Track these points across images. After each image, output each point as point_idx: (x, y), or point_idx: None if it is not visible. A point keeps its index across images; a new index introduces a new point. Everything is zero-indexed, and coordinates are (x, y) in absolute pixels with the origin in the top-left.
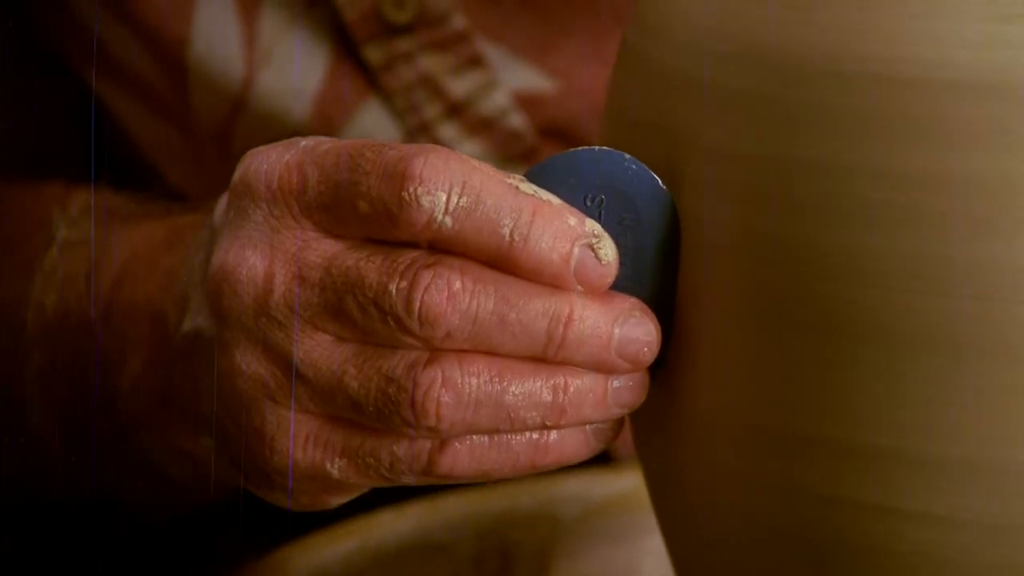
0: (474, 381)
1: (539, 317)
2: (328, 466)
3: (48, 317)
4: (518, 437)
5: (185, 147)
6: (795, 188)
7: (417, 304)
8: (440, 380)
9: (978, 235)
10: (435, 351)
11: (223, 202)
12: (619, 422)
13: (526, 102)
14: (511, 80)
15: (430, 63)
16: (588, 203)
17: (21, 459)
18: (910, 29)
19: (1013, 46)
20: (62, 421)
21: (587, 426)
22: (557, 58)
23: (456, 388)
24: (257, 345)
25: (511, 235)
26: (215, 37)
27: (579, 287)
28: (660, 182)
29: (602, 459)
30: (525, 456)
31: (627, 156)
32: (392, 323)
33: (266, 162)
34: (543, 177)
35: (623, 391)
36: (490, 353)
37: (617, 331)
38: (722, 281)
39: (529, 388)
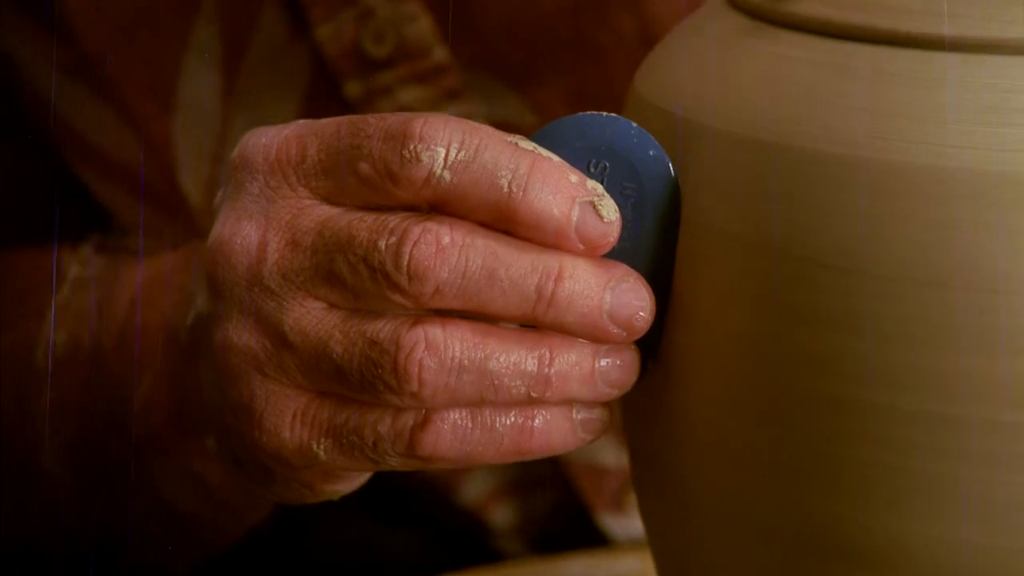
0: (457, 345)
1: (529, 273)
2: (315, 447)
3: (59, 354)
4: (502, 419)
5: (174, 232)
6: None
7: (406, 259)
8: (423, 343)
9: (975, 347)
10: (420, 316)
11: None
12: (607, 414)
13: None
14: (492, 111)
15: (409, 96)
16: (591, 168)
17: (33, 507)
18: (914, 131)
19: (1008, 147)
20: (73, 459)
21: (574, 413)
22: (540, 91)
23: (439, 351)
24: (249, 317)
25: (509, 187)
26: (200, 95)
27: (580, 245)
28: (666, 156)
29: (603, 542)
30: (509, 439)
31: (635, 125)
32: (381, 279)
33: (264, 136)
34: (548, 139)
35: (612, 370)
36: (480, 311)
37: (609, 295)
38: (719, 273)
39: (513, 356)
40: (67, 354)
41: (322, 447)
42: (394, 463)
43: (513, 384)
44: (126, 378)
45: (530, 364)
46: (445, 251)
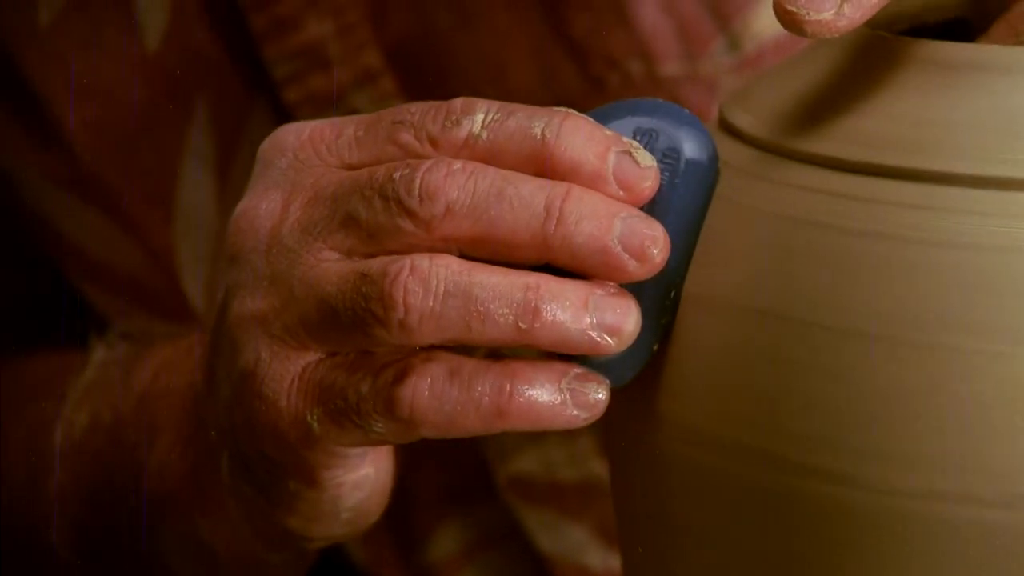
0: (443, 271)
1: (537, 191)
2: (308, 417)
3: (77, 434)
4: (482, 377)
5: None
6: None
7: (417, 183)
8: (408, 268)
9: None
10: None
11: None
12: (604, 393)
13: None
14: None
15: None
16: (637, 137)
17: None
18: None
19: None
20: (82, 536)
21: (564, 381)
22: None
23: (424, 276)
24: (263, 281)
25: (543, 134)
26: (197, 199)
27: (619, 190)
28: (713, 142)
29: None
30: (489, 398)
31: (687, 110)
32: (394, 207)
33: (296, 124)
34: (594, 115)
35: (607, 312)
36: (490, 233)
37: (619, 222)
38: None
39: (501, 286)
40: (86, 433)
41: (315, 416)
42: (380, 428)
43: (500, 311)
44: (141, 444)
45: (517, 293)
46: (455, 174)
